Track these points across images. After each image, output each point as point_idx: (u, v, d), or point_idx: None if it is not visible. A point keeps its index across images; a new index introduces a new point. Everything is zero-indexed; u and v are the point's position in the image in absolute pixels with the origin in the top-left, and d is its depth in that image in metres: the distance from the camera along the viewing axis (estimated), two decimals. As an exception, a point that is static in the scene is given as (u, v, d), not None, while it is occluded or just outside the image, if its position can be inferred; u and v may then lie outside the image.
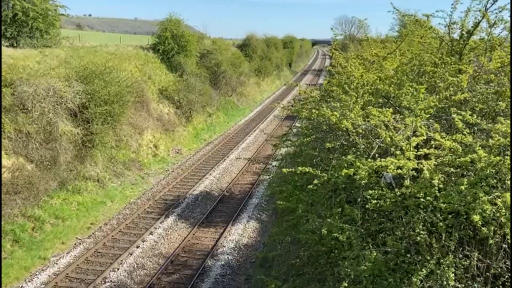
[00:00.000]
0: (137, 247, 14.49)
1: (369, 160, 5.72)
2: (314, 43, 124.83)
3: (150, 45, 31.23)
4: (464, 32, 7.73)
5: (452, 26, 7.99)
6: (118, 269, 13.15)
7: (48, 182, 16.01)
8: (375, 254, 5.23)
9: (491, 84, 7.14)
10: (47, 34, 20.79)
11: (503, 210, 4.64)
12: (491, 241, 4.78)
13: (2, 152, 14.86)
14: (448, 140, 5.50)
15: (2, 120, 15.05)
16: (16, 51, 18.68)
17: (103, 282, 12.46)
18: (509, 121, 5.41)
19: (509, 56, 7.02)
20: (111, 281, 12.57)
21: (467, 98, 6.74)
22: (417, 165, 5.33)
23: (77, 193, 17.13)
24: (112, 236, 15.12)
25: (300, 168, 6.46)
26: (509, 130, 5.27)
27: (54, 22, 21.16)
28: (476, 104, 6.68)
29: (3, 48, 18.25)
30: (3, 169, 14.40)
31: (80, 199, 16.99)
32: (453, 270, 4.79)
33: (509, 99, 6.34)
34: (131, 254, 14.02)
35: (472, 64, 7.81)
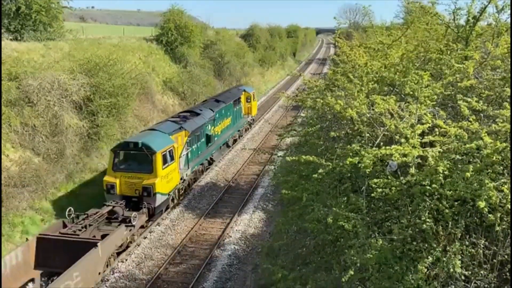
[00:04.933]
0: (145, 238, 14.61)
1: (374, 148, 5.70)
2: (318, 32, 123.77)
3: (154, 36, 31.14)
4: (470, 18, 7.62)
5: (458, 12, 7.88)
6: (126, 260, 13.29)
7: (55, 175, 16.14)
8: (381, 242, 5.23)
9: (497, 70, 7.06)
10: (50, 27, 20.81)
11: (510, 197, 4.62)
12: (497, 228, 4.77)
13: (9, 145, 14.98)
14: (453, 127, 5.45)
15: (8, 113, 15.14)
16: (20, 45, 18.72)
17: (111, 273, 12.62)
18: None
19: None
20: (119, 271, 12.72)
21: (474, 85, 6.67)
22: (422, 152, 5.30)
23: (84, 185, 17.26)
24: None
25: (304, 157, 6.46)
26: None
27: (57, 14, 21.15)
28: (483, 91, 6.61)
29: (7, 41, 18.29)
30: (10, 162, 14.53)
31: (88, 192, 17.10)
32: (460, 257, 4.79)
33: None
34: (138, 245, 14.16)
35: (479, 51, 7.72)
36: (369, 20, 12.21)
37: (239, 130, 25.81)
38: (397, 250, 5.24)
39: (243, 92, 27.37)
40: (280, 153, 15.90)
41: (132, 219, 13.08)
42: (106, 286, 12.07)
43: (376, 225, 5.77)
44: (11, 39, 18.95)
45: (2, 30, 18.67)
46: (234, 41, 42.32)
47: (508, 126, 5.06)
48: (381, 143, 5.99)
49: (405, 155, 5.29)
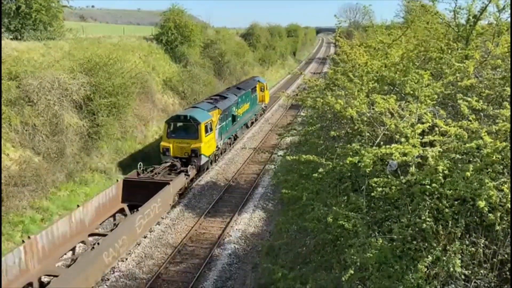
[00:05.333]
0: (145, 237, 14.63)
1: (374, 147, 5.70)
2: (319, 31, 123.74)
3: (154, 35, 31.13)
4: (470, 17, 7.61)
5: (459, 11, 7.88)
6: (126, 259, 13.30)
7: (56, 174, 16.15)
8: (381, 241, 5.24)
9: (498, 69, 7.06)
10: (50, 26, 20.82)
11: (510, 196, 4.62)
12: (497, 227, 4.77)
13: (10, 145, 14.99)
14: (453, 126, 5.45)
15: (8, 113, 15.15)
16: (21, 44, 18.72)
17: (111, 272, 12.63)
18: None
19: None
20: (119, 270, 12.73)
21: (474, 84, 6.67)
22: (422, 152, 5.30)
23: (84, 184, 17.27)
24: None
25: (304, 156, 6.46)
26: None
27: (57, 14, 21.16)
28: (483, 90, 6.61)
29: (7, 41, 18.29)
30: (10, 162, 14.54)
31: (88, 191, 17.12)
32: (460, 256, 4.79)
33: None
34: (138, 244, 14.18)
35: (479, 50, 7.71)
36: (369, 19, 12.19)
37: (255, 114, 30.37)
38: (397, 249, 5.25)
39: (258, 82, 31.54)
40: (280, 153, 15.92)
41: (188, 170, 17.82)
42: (107, 285, 12.08)
43: (376, 225, 5.78)
44: (11, 38, 18.96)
45: (2, 29, 18.67)
46: (234, 41, 42.31)
47: (508, 125, 5.06)
48: (381, 143, 5.99)
49: (405, 155, 5.29)
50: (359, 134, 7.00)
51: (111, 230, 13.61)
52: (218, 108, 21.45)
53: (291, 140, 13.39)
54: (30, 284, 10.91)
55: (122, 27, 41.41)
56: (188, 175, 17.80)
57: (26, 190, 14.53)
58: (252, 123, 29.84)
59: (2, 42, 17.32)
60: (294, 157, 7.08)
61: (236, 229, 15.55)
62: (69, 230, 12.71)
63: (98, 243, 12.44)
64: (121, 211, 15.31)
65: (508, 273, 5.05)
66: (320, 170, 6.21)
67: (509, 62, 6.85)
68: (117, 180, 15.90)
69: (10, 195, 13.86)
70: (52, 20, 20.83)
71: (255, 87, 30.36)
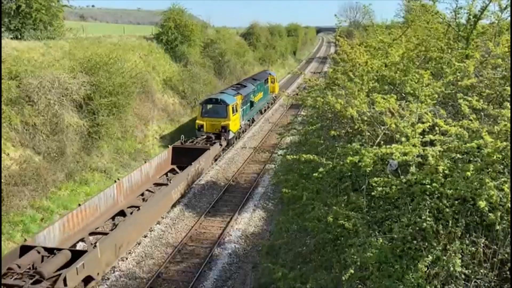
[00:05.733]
0: (145, 236, 14.63)
1: (374, 147, 5.70)
2: (319, 30, 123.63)
3: (154, 35, 31.12)
4: (471, 17, 7.61)
5: (459, 10, 7.87)
6: (127, 259, 13.31)
7: (56, 174, 16.15)
8: (381, 241, 5.24)
9: (498, 69, 7.05)
10: (50, 26, 20.81)
11: (510, 196, 4.62)
12: (498, 227, 4.77)
13: (10, 144, 14.99)
14: (454, 126, 5.45)
15: (8, 112, 15.15)
16: (21, 43, 18.72)
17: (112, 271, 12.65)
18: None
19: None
20: (120, 270, 12.74)
21: (474, 84, 6.66)
22: (423, 151, 5.30)
23: (84, 184, 17.27)
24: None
25: (304, 156, 6.46)
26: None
27: (57, 13, 21.16)
28: (483, 90, 6.61)
29: (7, 40, 18.29)
30: (10, 161, 14.54)
31: (88, 190, 17.13)
32: (460, 256, 4.79)
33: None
34: (139, 244, 14.19)
35: (480, 49, 7.70)
36: (369, 19, 12.19)
37: (267, 102, 34.81)
38: (397, 249, 5.25)
39: (269, 75, 36.21)
40: (281, 152, 15.92)
41: (221, 141, 22.15)
42: (107, 284, 12.08)
43: (376, 224, 5.78)
44: (11, 38, 18.96)
45: (2, 29, 18.67)
46: (234, 40, 42.29)
47: (509, 125, 5.06)
48: (382, 142, 5.98)
49: (405, 154, 5.29)
50: (360, 133, 7.00)
51: (171, 179, 17.86)
52: (240, 94, 25.53)
53: (291, 139, 13.40)
54: (121, 212, 15.18)
55: (122, 26, 41.41)
56: (221, 145, 22.29)
57: (26, 189, 14.54)
58: (265, 110, 34.08)
59: (2, 41, 17.31)
60: (294, 156, 7.08)
61: (236, 229, 15.56)
62: (140, 179, 17.31)
63: (169, 183, 17.17)
64: (171, 170, 19.69)
65: (508, 272, 5.05)
66: (320, 169, 6.21)
67: (509, 62, 6.85)
68: (169, 146, 20.39)
69: (10, 194, 13.86)
70: (52, 19, 20.82)
71: (267, 79, 34.81)
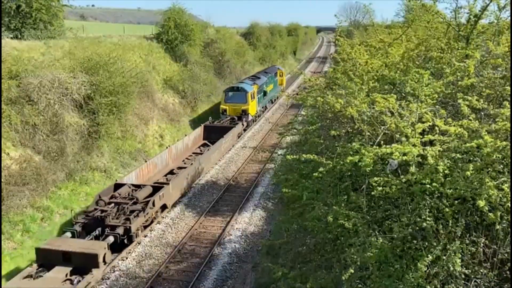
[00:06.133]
0: (145, 236, 14.64)
1: (374, 147, 5.70)
2: (319, 30, 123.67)
3: (154, 35, 31.11)
4: (471, 16, 7.60)
5: (459, 10, 7.87)
6: (127, 258, 13.31)
7: (56, 173, 16.16)
8: (381, 240, 5.24)
9: (498, 69, 7.05)
10: (51, 25, 20.79)
11: (510, 195, 4.62)
12: (498, 227, 4.77)
13: (10, 144, 14.99)
14: (453, 125, 5.45)
15: (9, 112, 15.15)
16: (21, 43, 18.72)
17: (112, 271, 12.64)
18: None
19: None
20: (120, 269, 12.74)
21: (474, 84, 6.66)
22: (423, 151, 5.30)
23: (84, 183, 17.28)
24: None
25: (305, 156, 6.46)
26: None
27: (57, 13, 21.14)
28: (483, 89, 6.61)
29: (7, 40, 18.29)
30: (10, 161, 14.55)
31: (88, 190, 17.14)
32: (460, 256, 4.80)
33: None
34: (139, 243, 14.19)
35: (480, 49, 7.70)
36: (369, 19, 12.18)
37: (277, 93, 38.57)
38: (397, 249, 5.25)
39: (278, 69, 40.77)
40: (281, 152, 15.92)
41: (242, 121, 26.59)
42: (107, 284, 12.09)
43: (376, 224, 5.78)
44: (11, 38, 18.95)
45: (2, 29, 18.66)
46: (234, 40, 42.26)
47: (508, 124, 5.06)
48: (382, 142, 5.99)
49: (405, 154, 5.29)
50: (360, 133, 7.00)
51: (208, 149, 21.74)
52: (256, 84, 29.77)
53: (291, 139, 13.40)
54: (171, 171, 19.25)
55: (122, 26, 41.37)
56: (243, 125, 26.72)
57: (26, 189, 14.54)
58: (275, 100, 38.17)
59: (2, 41, 17.30)
60: (295, 156, 7.08)
61: (236, 228, 15.56)
62: (182, 148, 21.61)
63: (208, 149, 21.47)
64: (203, 144, 23.91)
65: (508, 272, 5.06)
66: (321, 169, 6.21)
67: (509, 62, 6.85)
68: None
69: (10, 194, 13.87)
70: (52, 19, 20.80)
71: (276, 72, 39.39)
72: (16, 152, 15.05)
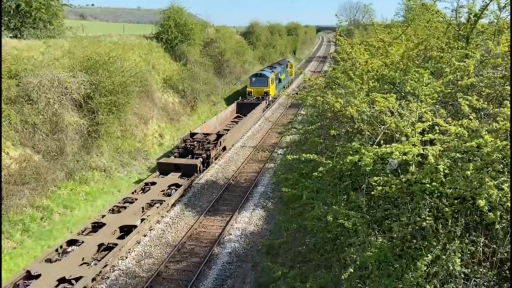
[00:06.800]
0: (144, 235, 14.64)
1: (374, 146, 5.70)
2: (319, 29, 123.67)
3: (153, 34, 31.09)
4: (471, 16, 7.59)
5: (459, 9, 7.87)
6: (126, 258, 13.32)
7: (55, 173, 16.15)
8: (380, 240, 5.24)
9: (498, 68, 7.04)
10: (50, 25, 20.78)
11: (510, 195, 4.62)
12: (497, 226, 4.77)
13: (9, 143, 14.98)
14: (453, 125, 5.45)
15: (8, 111, 15.14)
16: (20, 42, 18.71)
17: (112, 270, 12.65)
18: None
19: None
20: (119, 269, 12.74)
21: (474, 83, 6.66)
22: (422, 150, 5.30)
23: (84, 183, 17.28)
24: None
25: (304, 155, 6.46)
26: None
27: (57, 12, 21.12)
28: (483, 89, 6.60)
29: (7, 39, 18.27)
30: (10, 160, 14.54)
31: (87, 189, 17.15)
32: (459, 255, 4.80)
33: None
34: (138, 243, 14.19)
35: (480, 49, 7.70)
36: (369, 18, 12.16)
37: (288, 82, 45.48)
38: (397, 248, 5.25)
39: (288, 62, 48.08)
40: (280, 151, 15.92)
41: (265, 101, 33.54)
42: (107, 283, 12.09)
43: (376, 223, 5.78)
44: (11, 37, 18.93)
45: (2, 28, 18.64)
46: (234, 39, 42.27)
47: (509, 124, 5.06)
48: (382, 141, 5.98)
49: (405, 153, 5.29)
50: (359, 133, 7.00)
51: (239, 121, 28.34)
52: (274, 72, 37.24)
53: (291, 138, 13.40)
54: (218, 132, 24.15)
55: (122, 25, 41.35)
56: (266, 102, 34.14)
57: (26, 188, 14.54)
58: (287, 86, 44.47)
59: (2, 40, 17.28)
60: (294, 156, 7.07)
61: (236, 228, 15.56)
62: (224, 117, 29.24)
63: (245, 116, 28.99)
64: (236, 117, 30.75)
65: (507, 271, 5.06)
66: (320, 169, 6.20)
67: (509, 61, 6.84)
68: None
69: (10, 193, 13.87)
70: (52, 18, 20.78)
71: (287, 64, 46.36)
72: (16, 152, 15.05)
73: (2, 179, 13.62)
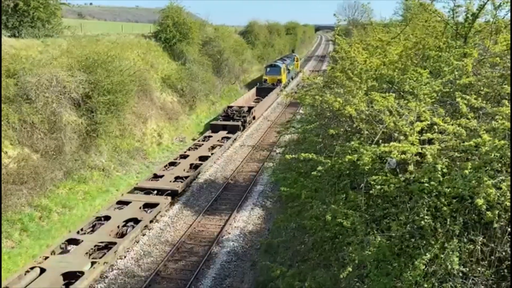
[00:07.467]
0: (143, 235, 14.64)
1: (372, 145, 5.71)
2: (317, 28, 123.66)
3: (152, 33, 31.04)
4: (469, 15, 7.61)
5: (457, 9, 7.88)
6: (125, 257, 13.31)
7: (54, 172, 16.12)
8: (379, 239, 5.25)
9: (496, 67, 7.06)
10: (48, 24, 20.71)
11: (508, 194, 4.63)
12: (495, 225, 4.78)
13: (8, 142, 14.95)
14: (452, 124, 5.46)
15: (6, 110, 15.10)
16: (18, 41, 18.66)
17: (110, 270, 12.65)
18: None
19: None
20: (118, 268, 12.74)
21: (472, 82, 6.67)
22: (421, 150, 5.31)
23: (82, 182, 17.25)
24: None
25: (303, 155, 6.47)
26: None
27: (55, 11, 21.06)
28: (481, 88, 6.61)
29: (5, 38, 18.22)
30: (8, 159, 14.51)
31: (86, 188, 17.12)
32: (458, 254, 4.81)
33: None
34: (137, 242, 14.19)
35: (477, 48, 7.72)
36: (368, 17, 12.17)
37: (295, 73, 50.22)
38: (396, 247, 5.26)
39: (295, 56, 54.32)
40: (279, 150, 15.93)
41: (280, 86, 39.57)
42: (105, 283, 12.09)
43: (374, 222, 5.79)
44: (8, 36, 18.87)
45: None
46: (233, 38, 42.23)
47: (507, 123, 5.07)
48: (380, 141, 5.99)
49: (404, 153, 5.30)
50: (358, 132, 7.01)
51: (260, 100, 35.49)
52: (284, 63, 43.80)
53: (290, 137, 13.41)
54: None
55: (120, 24, 41.30)
56: (280, 87, 39.18)
57: (24, 188, 14.51)
58: (293, 78, 49.07)
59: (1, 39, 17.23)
60: (293, 155, 7.08)
61: (235, 227, 15.57)
62: (247, 98, 36.29)
63: (266, 96, 35.58)
64: (256, 99, 37.11)
65: (505, 270, 5.08)
66: (319, 168, 6.21)
67: (507, 60, 6.86)
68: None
69: (8, 193, 13.84)
70: (50, 17, 20.72)
71: (294, 58, 52.63)
72: (14, 151, 15.01)
73: (0, 179, 13.59)
